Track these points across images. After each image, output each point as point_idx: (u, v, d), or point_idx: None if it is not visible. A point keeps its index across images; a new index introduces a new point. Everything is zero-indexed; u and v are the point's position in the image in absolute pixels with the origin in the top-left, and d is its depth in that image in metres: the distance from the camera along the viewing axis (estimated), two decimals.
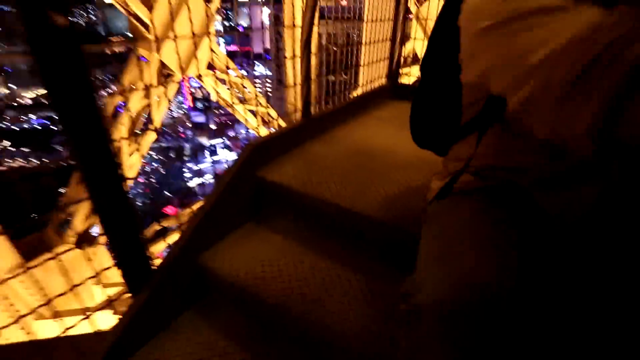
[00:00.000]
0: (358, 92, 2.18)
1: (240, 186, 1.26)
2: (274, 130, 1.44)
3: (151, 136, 5.35)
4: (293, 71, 5.25)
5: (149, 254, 0.98)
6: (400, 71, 2.32)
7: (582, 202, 0.56)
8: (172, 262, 1.06)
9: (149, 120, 4.92)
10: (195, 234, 1.13)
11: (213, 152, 27.91)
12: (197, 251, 1.14)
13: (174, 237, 1.17)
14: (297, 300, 0.98)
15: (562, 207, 0.58)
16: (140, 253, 0.95)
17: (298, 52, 1.47)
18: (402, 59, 2.30)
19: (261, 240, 1.22)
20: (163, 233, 5.12)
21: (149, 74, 4.18)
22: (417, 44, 4.21)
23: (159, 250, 5.23)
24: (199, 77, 5.26)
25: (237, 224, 1.27)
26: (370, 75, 2.28)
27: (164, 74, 4.48)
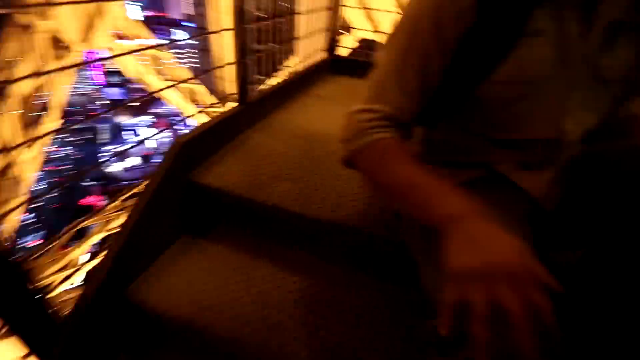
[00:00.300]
0: (296, 68, 1.98)
1: (169, 195, 1.04)
2: (202, 107, 1.20)
3: (52, 121, 4.55)
4: (220, 47, 4.71)
5: (52, 299, 0.75)
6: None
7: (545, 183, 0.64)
8: (89, 304, 0.84)
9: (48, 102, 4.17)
10: (118, 261, 0.90)
11: (133, 132, 25.40)
12: (123, 283, 0.92)
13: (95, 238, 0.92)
14: (257, 327, 0.84)
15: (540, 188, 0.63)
16: (37, 308, 0.71)
17: (225, 22, 1.22)
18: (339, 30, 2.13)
19: (202, 258, 1.03)
20: (83, 234, 4.50)
21: (38, 46, 3.44)
22: (350, 12, 4.05)
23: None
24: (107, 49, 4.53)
25: (170, 240, 1.06)
26: (307, 48, 2.09)
27: (62, 46, 3.74)
